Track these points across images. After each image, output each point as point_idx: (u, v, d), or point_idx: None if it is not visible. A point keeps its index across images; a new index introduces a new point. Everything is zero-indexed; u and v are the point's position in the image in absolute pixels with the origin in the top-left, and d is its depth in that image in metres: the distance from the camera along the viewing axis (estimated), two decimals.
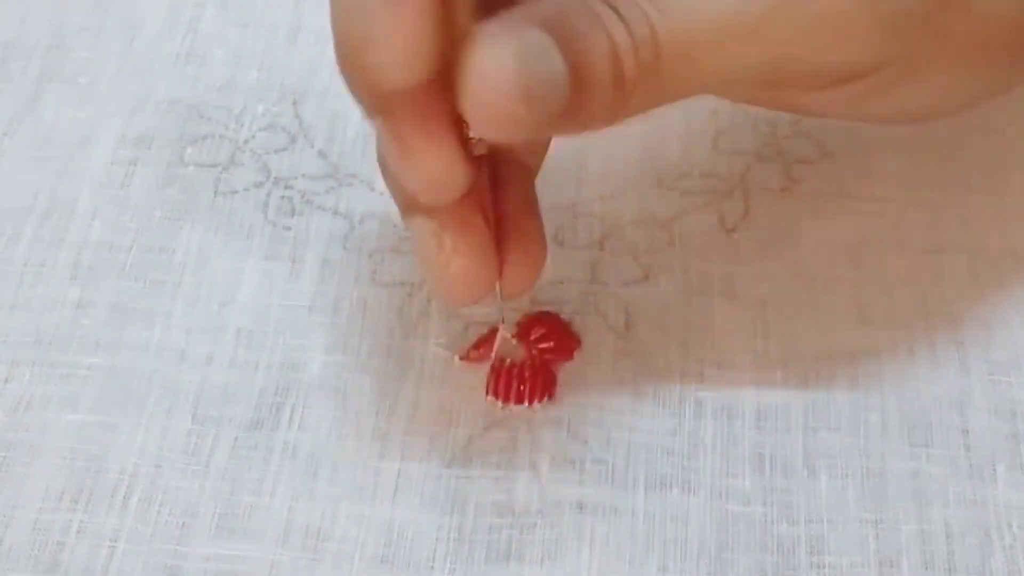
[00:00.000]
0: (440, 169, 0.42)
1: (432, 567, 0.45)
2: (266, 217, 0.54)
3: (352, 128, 0.56)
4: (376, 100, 0.42)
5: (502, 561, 0.45)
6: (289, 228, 0.53)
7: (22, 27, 0.61)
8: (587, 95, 0.40)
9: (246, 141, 0.56)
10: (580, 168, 0.55)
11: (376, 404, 0.48)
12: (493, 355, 0.49)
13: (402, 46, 0.39)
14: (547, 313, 0.51)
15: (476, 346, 0.50)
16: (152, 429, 0.48)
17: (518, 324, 0.50)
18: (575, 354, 0.50)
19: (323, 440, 0.48)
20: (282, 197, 0.54)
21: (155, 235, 0.53)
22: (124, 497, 0.47)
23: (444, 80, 0.40)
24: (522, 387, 0.48)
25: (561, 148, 0.52)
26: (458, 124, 0.42)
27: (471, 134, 0.42)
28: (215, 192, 0.55)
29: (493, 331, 0.50)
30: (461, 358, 0.49)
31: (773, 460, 0.47)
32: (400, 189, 0.45)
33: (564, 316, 0.51)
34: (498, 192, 0.46)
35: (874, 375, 0.49)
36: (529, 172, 0.47)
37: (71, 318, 0.51)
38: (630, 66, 0.40)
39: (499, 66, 0.38)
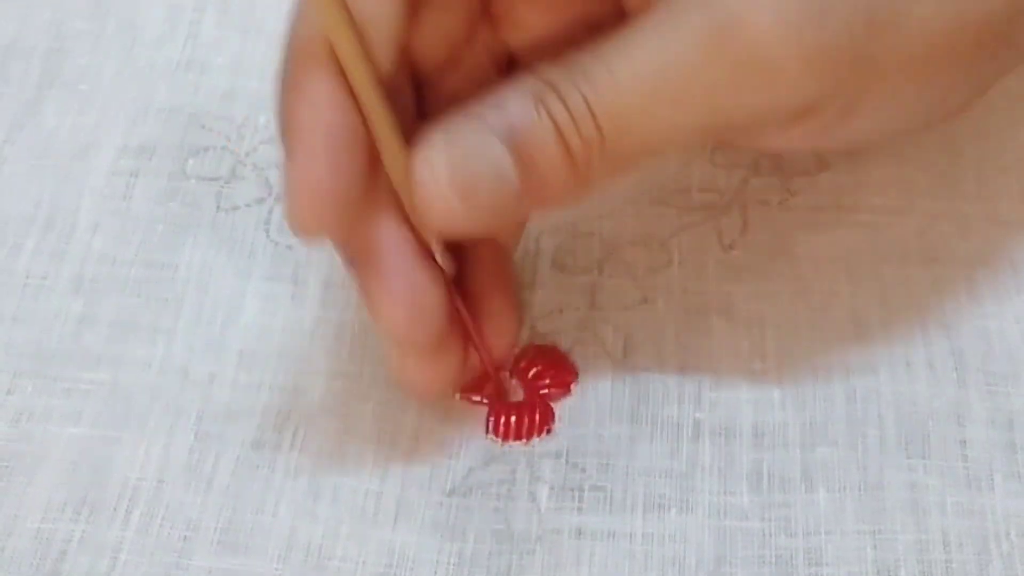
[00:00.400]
0: (405, 326, 0.44)
1: None
2: (268, 235, 0.54)
3: None
4: (343, 251, 0.44)
5: None
6: (291, 248, 0.53)
7: (21, 31, 0.61)
8: (539, 177, 0.41)
9: (248, 154, 0.56)
10: None
11: (377, 433, 0.48)
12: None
13: (306, 200, 0.41)
14: (544, 347, 0.50)
15: (473, 387, 0.49)
16: (154, 444, 0.48)
17: (516, 359, 0.50)
18: (573, 388, 0.50)
19: (325, 464, 0.48)
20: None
21: (157, 250, 0.53)
22: (126, 510, 0.47)
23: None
24: (520, 426, 0.48)
25: None
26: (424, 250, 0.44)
27: (433, 248, 0.44)
28: (217, 207, 0.55)
29: (490, 373, 0.49)
30: (461, 397, 0.49)
31: (771, 476, 0.47)
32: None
33: (563, 345, 0.50)
34: (471, 271, 0.47)
35: (871, 388, 0.49)
36: (501, 249, 0.48)
37: (73, 332, 0.51)
38: (575, 142, 0.41)
39: (432, 170, 0.40)
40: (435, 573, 0.46)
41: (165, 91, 0.58)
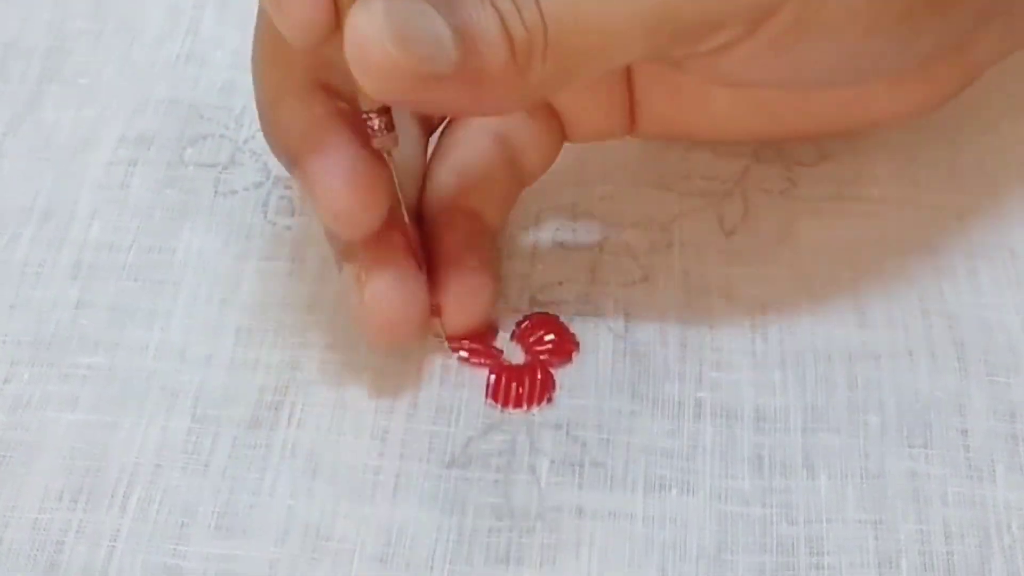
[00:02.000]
0: (344, 201, 0.44)
1: (431, 568, 0.45)
2: (266, 217, 0.54)
3: None
4: (287, 146, 0.46)
5: (501, 564, 0.45)
6: (289, 228, 0.53)
7: (22, 28, 0.61)
8: (478, 59, 0.40)
9: (246, 141, 0.56)
10: (581, 169, 0.55)
11: (375, 403, 0.48)
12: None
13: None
14: (546, 315, 0.51)
15: (475, 352, 0.50)
16: (151, 428, 0.48)
17: (517, 325, 0.50)
18: (573, 356, 0.50)
19: (322, 439, 0.48)
20: (281, 197, 0.54)
21: (155, 235, 0.53)
22: (123, 496, 0.47)
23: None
24: (520, 391, 0.48)
25: (563, 150, 0.52)
26: (361, 131, 0.44)
27: (365, 112, 0.44)
28: (215, 192, 0.55)
29: (490, 331, 0.50)
30: (460, 358, 0.49)
31: (772, 461, 0.47)
32: (331, 237, 0.48)
33: (563, 318, 0.51)
34: (441, 236, 0.48)
35: (873, 376, 0.49)
36: (479, 219, 0.49)
37: (71, 318, 0.51)
38: (517, 29, 0.40)
39: (370, 17, 0.39)
40: (434, 552, 0.45)
41: (164, 85, 0.59)
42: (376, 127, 0.44)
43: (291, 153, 0.46)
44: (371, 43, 0.39)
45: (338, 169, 0.44)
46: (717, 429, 0.48)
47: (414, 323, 0.47)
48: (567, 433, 0.48)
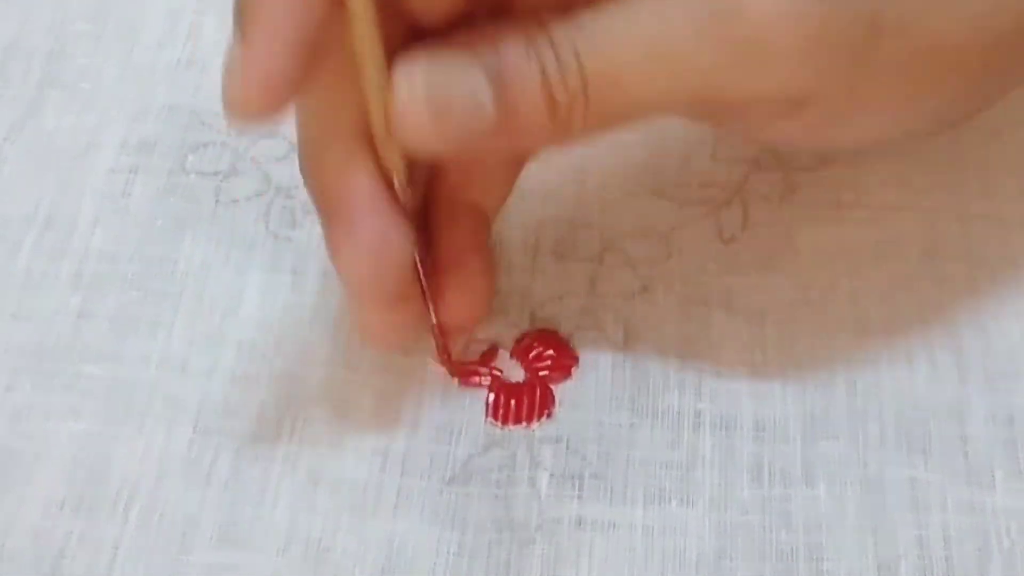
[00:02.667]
0: (367, 275, 0.45)
1: None
2: (267, 228, 0.54)
3: None
4: (317, 199, 0.45)
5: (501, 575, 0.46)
6: (290, 239, 0.53)
7: (22, 32, 0.60)
8: (518, 118, 0.41)
9: (247, 149, 0.56)
10: (580, 179, 0.55)
11: (376, 421, 0.49)
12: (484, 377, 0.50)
13: (255, 82, 0.41)
14: (545, 330, 0.51)
15: (472, 371, 0.50)
16: (154, 440, 0.48)
17: (516, 342, 0.50)
18: (573, 372, 0.50)
19: (323, 454, 0.48)
20: (283, 207, 0.54)
21: (156, 245, 0.53)
22: (125, 506, 0.47)
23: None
24: (520, 408, 0.49)
25: (561, 159, 0.52)
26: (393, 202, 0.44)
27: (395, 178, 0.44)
28: (216, 201, 0.55)
29: (491, 351, 0.50)
30: (460, 381, 0.50)
31: (772, 470, 0.47)
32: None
33: (563, 331, 0.51)
34: (444, 232, 0.48)
35: (872, 383, 0.49)
36: (483, 216, 0.49)
37: (73, 328, 0.51)
38: (560, 92, 0.41)
39: (410, 84, 0.40)
40: (435, 564, 0.46)
41: (165, 90, 0.58)
42: (400, 185, 0.44)
43: (322, 205, 0.45)
44: (409, 113, 0.40)
45: (364, 244, 0.44)
46: (716, 440, 0.48)
47: (408, 332, 0.47)
48: (567, 447, 0.48)
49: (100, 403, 0.49)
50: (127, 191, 0.55)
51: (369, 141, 0.44)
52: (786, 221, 0.53)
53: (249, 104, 0.41)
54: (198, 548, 0.46)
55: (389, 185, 0.44)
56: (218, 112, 0.56)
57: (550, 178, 0.52)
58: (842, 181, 0.54)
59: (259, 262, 0.53)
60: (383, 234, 0.44)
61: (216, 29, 0.60)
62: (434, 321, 0.48)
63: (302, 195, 0.53)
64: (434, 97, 0.40)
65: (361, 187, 0.44)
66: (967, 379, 0.49)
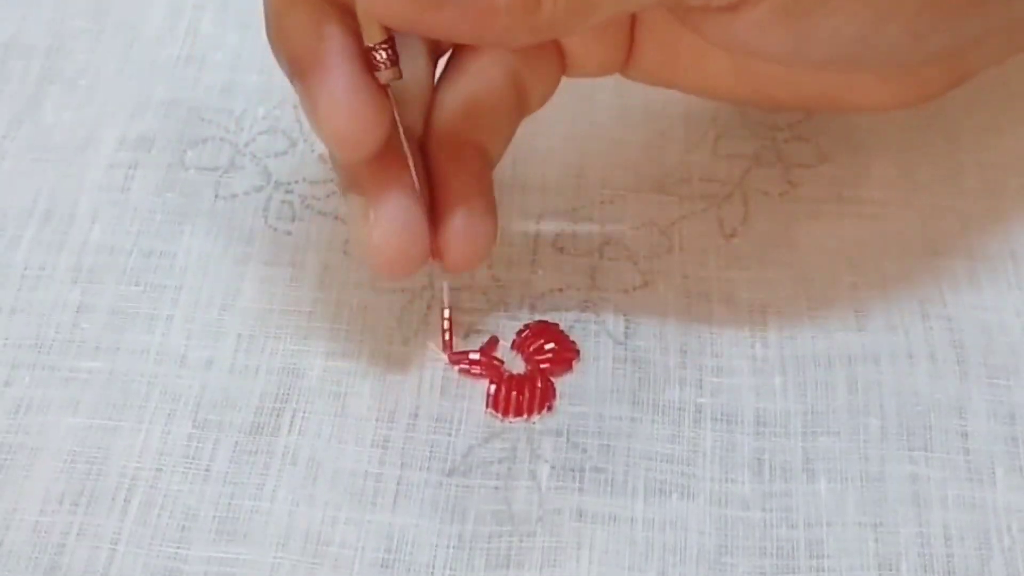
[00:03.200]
0: (344, 120, 0.43)
1: (432, 572, 0.45)
2: (266, 222, 0.54)
3: None
4: (291, 62, 0.44)
5: (502, 568, 0.45)
6: (289, 233, 0.53)
7: (22, 28, 0.61)
8: None
9: (246, 144, 0.56)
10: (580, 174, 0.55)
11: (376, 411, 0.49)
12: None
13: None
14: (546, 323, 0.50)
15: (473, 362, 0.50)
16: (152, 433, 0.48)
17: (517, 334, 0.50)
18: (574, 365, 0.50)
19: (323, 446, 0.48)
20: (282, 202, 0.54)
21: (155, 239, 0.53)
22: (124, 500, 0.47)
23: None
24: (521, 400, 0.48)
25: (562, 154, 0.52)
26: (365, 59, 0.44)
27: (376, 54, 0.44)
28: (215, 196, 0.55)
29: (491, 342, 0.50)
30: (460, 370, 0.49)
31: (772, 465, 0.47)
32: (337, 165, 0.47)
33: (564, 325, 0.51)
34: (448, 172, 0.47)
35: (873, 379, 0.49)
36: (486, 156, 0.48)
37: (72, 322, 0.51)
38: None
39: None
40: (435, 556, 0.45)
41: (164, 86, 0.58)
42: (380, 59, 0.44)
43: (294, 65, 0.45)
44: None
45: (340, 89, 0.43)
46: (717, 434, 0.48)
47: (417, 261, 0.46)
48: (568, 440, 0.48)
49: (99, 396, 0.49)
50: (126, 186, 0.55)
51: (340, 5, 0.44)
52: (786, 216, 0.53)
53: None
54: (197, 541, 0.46)
55: (365, 53, 0.44)
56: (218, 108, 0.57)
57: (551, 171, 0.52)
58: (841, 177, 0.55)
59: (258, 256, 0.53)
60: (361, 82, 0.43)
61: (215, 24, 0.61)
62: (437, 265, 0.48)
63: (301, 189, 0.54)
64: None
65: (334, 41, 0.44)
66: (968, 375, 0.49)
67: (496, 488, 0.47)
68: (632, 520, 0.46)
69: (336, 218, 0.54)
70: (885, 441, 0.48)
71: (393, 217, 0.45)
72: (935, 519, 0.46)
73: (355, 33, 0.44)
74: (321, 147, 0.55)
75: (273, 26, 0.45)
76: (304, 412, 0.49)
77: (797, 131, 0.56)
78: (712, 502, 0.47)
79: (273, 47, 0.46)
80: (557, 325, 0.51)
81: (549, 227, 0.52)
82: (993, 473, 0.47)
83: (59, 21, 0.61)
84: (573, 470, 0.47)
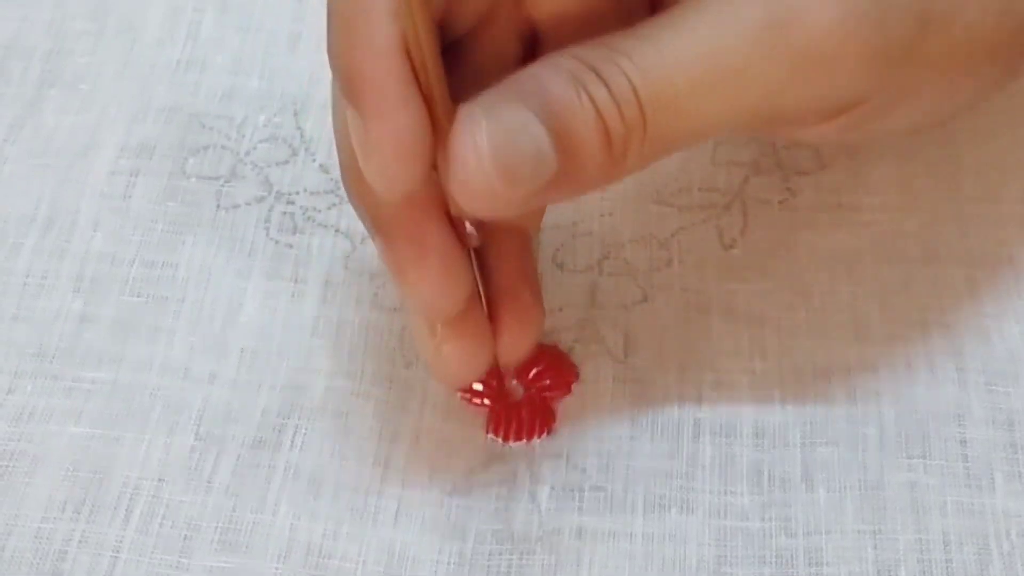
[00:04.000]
0: (434, 294, 0.43)
1: None
2: (268, 234, 0.54)
3: None
4: (374, 218, 0.43)
5: None
6: (291, 246, 0.53)
7: (21, 31, 0.60)
8: (577, 161, 0.40)
9: (247, 153, 0.56)
10: None
11: (378, 432, 0.49)
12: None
13: (392, 151, 0.39)
14: (545, 346, 0.50)
15: (477, 393, 0.49)
16: (155, 444, 0.48)
17: None
18: (573, 388, 0.50)
19: (325, 463, 0.48)
20: (284, 213, 0.54)
21: (157, 249, 0.53)
22: (127, 509, 0.47)
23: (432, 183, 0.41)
24: (521, 426, 0.48)
25: None
26: (453, 223, 0.43)
27: (465, 224, 0.43)
28: (217, 206, 0.54)
29: (492, 373, 0.49)
30: (462, 396, 0.49)
31: (771, 475, 0.47)
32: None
33: (563, 344, 0.50)
34: (492, 259, 0.46)
35: (871, 388, 0.49)
36: (525, 236, 0.47)
37: (74, 331, 0.51)
38: (616, 126, 0.40)
39: (476, 147, 0.38)
40: (435, 573, 0.46)
41: (165, 90, 0.58)
42: (469, 229, 0.43)
43: (378, 222, 0.44)
44: (477, 178, 0.38)
45: (433, 260, 0.42)
46: (716, 447, 0.48)
47: (482, 371, 0.46)
48: (567, 461, 0.48)
49: (102, 407, 0.49)
50: (127, 193, 0.55)
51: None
52: (785, 225, 0.53)
53: (398, 176, 0.40)
54: (199, 553, 0.46)
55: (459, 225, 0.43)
56: (218, 114, 0.57)
57: None
58: (841, 184, 0.54)
59: (260, 268, 0.53)
60: (452, 253, 0.43)
61: (215, 28, 0.60)
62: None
63: (302, 200, 0.54)
64: (501, 159, 0.38)
65: (421, 203, 0.43)
66: (966, 382, 0.49)
67: (496, 510, 0.47)
68: (631, 535, 0.46)
69: (337, 231, 0.54)
70: (884, 449, 0.48)
71: (462, 332, 0.44)
72: (934, 526, 0.46)
73: (437, 186, 0.42)
74: (321, 157, 0.55)
75: (355, 177, 0.44)
76: (306, 429, 0.49)
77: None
78: (711, 514, 0.47)
79: (351, 195, 0.45)
80: (556, 347, 0.50)
81: (549, 243, 0.52)
82: (992, 480, 0.47)
83: (59, 23, 0.61)
84: (573, 490, 0.47)
